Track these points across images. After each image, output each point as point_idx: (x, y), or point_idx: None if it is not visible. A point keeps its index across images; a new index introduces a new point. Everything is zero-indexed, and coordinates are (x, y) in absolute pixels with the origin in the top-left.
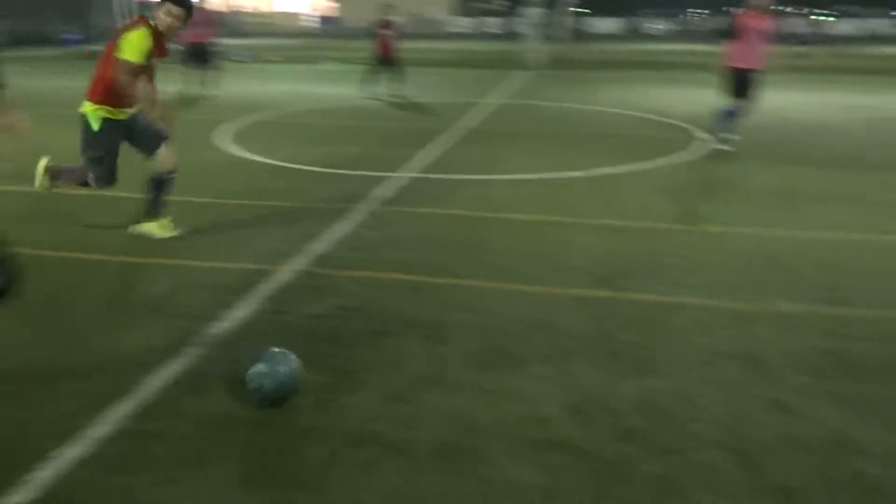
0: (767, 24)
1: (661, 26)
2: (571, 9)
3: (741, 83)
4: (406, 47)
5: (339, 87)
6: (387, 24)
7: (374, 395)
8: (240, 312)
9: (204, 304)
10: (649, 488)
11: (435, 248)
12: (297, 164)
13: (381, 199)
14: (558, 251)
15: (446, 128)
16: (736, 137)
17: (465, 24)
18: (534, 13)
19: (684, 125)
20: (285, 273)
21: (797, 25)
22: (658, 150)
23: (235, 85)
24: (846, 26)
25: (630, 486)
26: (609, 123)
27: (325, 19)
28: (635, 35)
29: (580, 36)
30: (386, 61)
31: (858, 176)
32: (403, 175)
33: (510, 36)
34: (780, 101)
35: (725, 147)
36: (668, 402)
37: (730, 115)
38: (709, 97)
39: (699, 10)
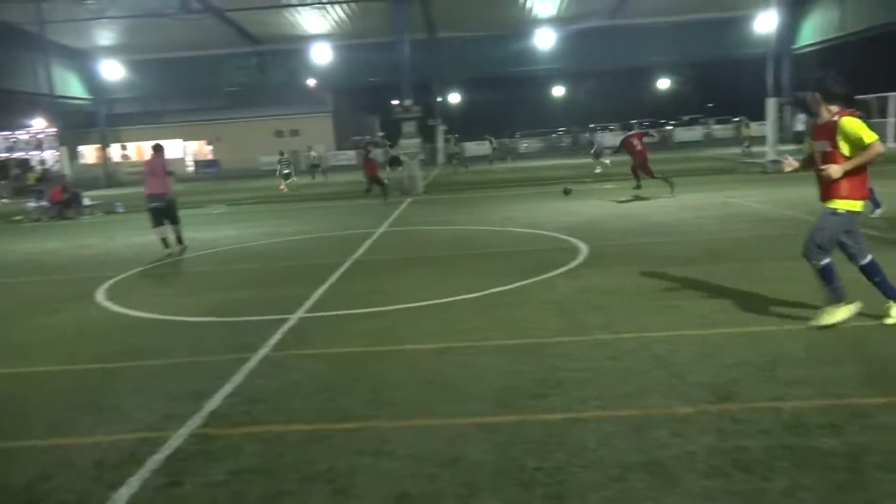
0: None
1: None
2: (450, 136)
3: None
4: (299, 183)
5: (229, 230)
6: None
7: None
8: (127, 491)
9: (86, 488)
10: None
11: (333, 391)
12: (186, 315)
13: (273, 345)
14: (457, 379)
15: (343, 261)
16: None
17: (349, 156)
18: (410, 143)
19: (564, 237)
20: (176, 439)
21: None
22: (543, 263)
23: (123, 237)
24: None
25: None
26: (493, 241)
27: (206, 163)
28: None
29: (462, 159)
30: None
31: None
32: (295, 316)
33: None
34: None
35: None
36: None
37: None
38: (579, 207)
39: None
